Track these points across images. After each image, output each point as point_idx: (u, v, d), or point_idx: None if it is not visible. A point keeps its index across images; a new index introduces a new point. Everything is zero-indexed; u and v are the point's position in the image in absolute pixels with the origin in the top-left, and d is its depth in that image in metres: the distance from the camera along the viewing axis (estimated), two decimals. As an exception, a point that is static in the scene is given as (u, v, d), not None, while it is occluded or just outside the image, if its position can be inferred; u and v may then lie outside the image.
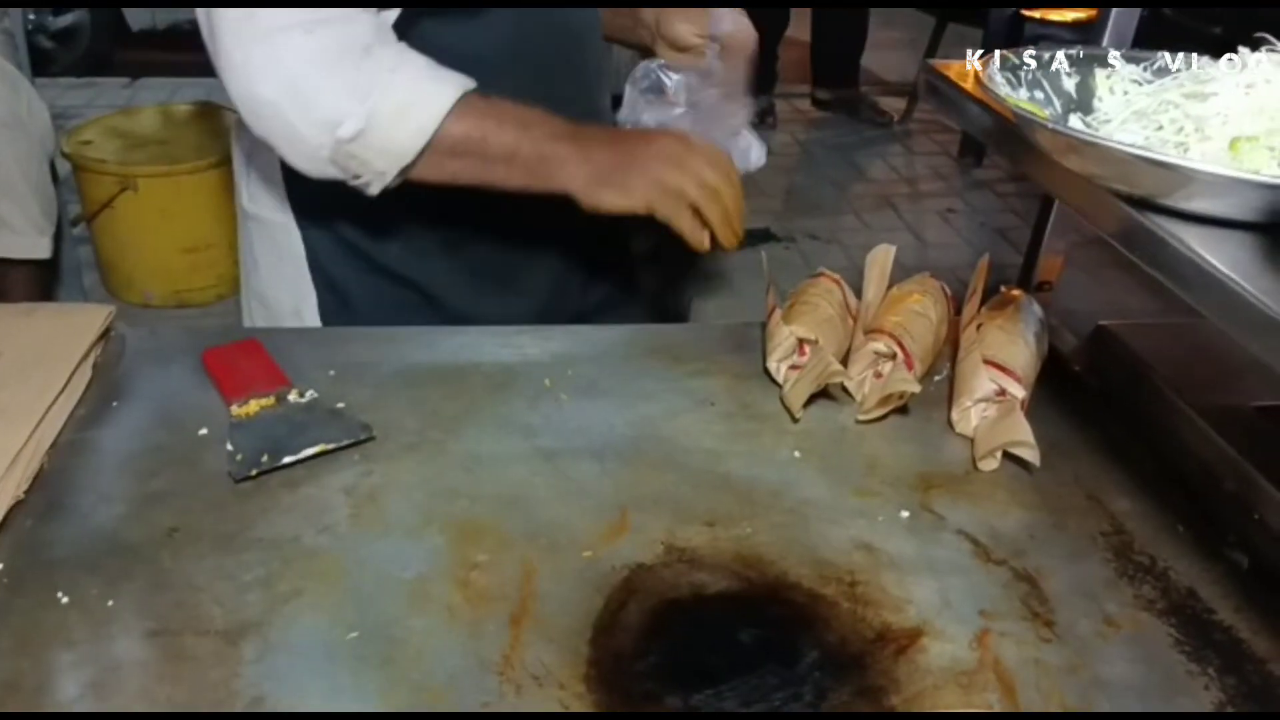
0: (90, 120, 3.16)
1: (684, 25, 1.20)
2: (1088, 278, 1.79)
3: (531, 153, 0.97)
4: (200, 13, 0.93)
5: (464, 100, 0.95)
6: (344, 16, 0.92)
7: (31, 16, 4.52)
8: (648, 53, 1.27)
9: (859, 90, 5.22)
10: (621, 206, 0.98)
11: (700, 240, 1.00)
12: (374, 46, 0.93)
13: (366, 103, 0.92)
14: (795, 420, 0.98)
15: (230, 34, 0.91)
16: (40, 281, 2.37)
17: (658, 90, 1.17)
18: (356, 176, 0.96)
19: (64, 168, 2.69)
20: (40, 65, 3.48)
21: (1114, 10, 1.09)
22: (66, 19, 4.75)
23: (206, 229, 2.96)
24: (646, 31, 1.23)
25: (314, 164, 0.96)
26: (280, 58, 0.91)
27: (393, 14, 0.98)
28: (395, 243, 1.12)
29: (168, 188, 2.90)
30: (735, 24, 1.17)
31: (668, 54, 1.22)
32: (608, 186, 0.98)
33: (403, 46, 0.96)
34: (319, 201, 1.10)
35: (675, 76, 1.17)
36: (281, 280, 1.17)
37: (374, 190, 0.98)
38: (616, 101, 1.21)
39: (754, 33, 1.18)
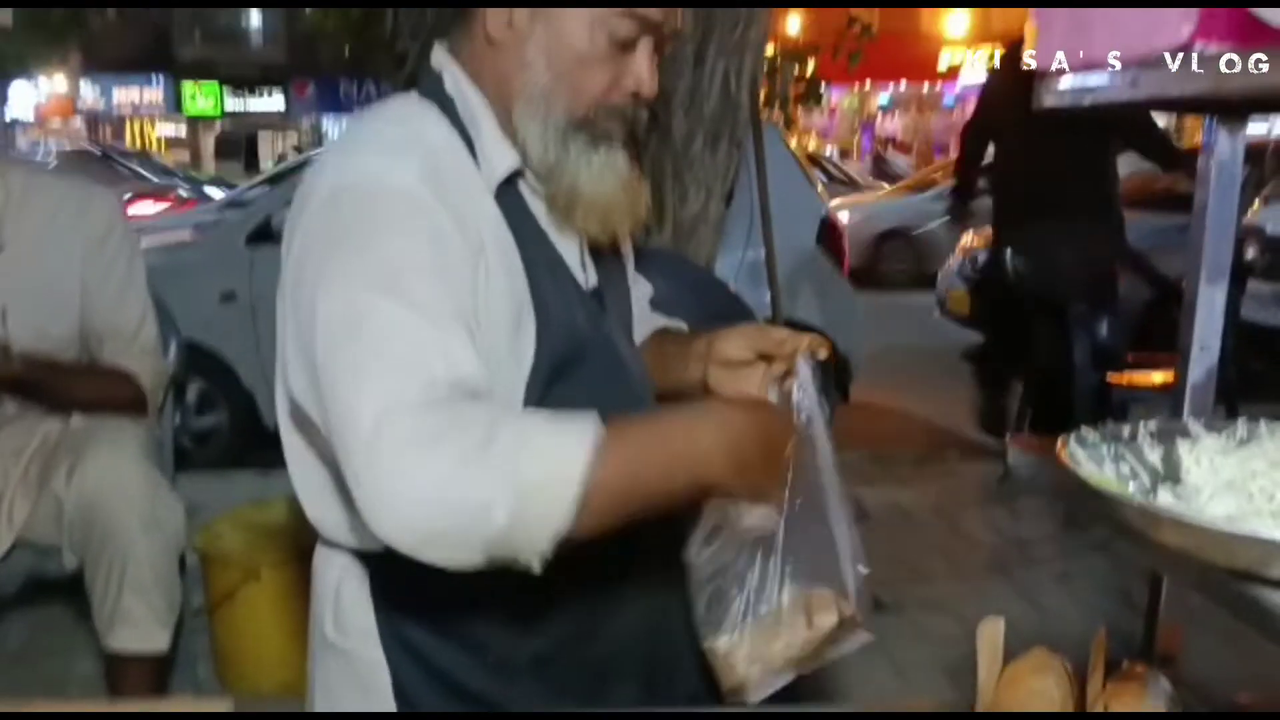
0: (222, 514, 3.31)
1: (738, 341, 1.23)
2: (1217, 641, 1.68)
3: (688, 471, 1.03)
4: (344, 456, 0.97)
5: (599, 448, 0.95)
6: (455, 421, 0.94)
7: (178, 419, 4.95)
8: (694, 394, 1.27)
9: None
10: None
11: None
12: (491, 440, 0.94)
13: (509, 491, 0.91)
14: None
15: (364, 469, 0.94)
16: (156, 672, 2.41)
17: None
18: (514, 559, 0.96)
19: (192, 558, 2.80)
20: (180, 462, 3.76)
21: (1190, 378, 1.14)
22: (208, 420, 5.18)
23: (324, 615, 2.99)
24: (698, 363, 1.25)
25: (469, 562, 0.96)
26: (411, 476, 0.93)
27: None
28: (486, 666, 1.13)
29: (291, 576, 2.95)
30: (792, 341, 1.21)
31: (721, 378, 1.23)
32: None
33: (515, 415, 1.01)
34: (410, 631, 1.13)
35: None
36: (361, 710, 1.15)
37: (536, 567, 0.96)
38: None
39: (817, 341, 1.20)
